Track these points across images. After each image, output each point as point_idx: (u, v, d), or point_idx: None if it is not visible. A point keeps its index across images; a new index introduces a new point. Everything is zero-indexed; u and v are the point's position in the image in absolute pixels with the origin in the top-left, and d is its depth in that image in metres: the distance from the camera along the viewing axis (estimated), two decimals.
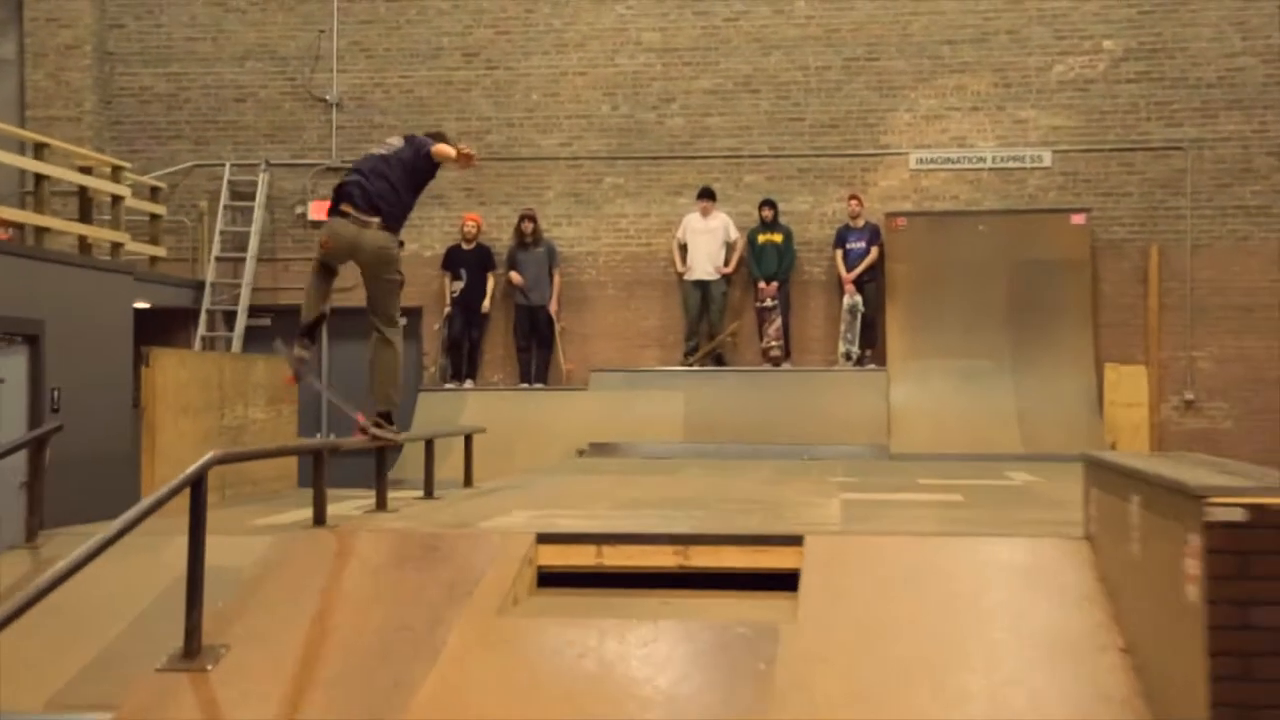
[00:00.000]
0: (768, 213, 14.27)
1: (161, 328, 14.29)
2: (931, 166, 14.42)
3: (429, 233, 14.97)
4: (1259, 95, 13.74)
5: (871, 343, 14.20)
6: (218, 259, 14.71)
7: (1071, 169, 14.15)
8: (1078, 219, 13.84)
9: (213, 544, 5.11)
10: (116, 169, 13.07)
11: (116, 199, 12.95)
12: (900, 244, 14.12)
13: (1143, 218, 14.03)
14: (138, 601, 5.60)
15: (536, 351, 14.61)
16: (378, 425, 7.50)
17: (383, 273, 7.79)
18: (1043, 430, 13.11)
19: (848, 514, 7.11)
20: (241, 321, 14.23)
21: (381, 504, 7.29)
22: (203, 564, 4.98)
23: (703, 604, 5.43)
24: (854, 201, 14.13)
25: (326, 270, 7.99)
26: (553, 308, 14.51)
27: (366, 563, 5.68)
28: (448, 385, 14.40)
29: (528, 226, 14.44)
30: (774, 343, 14.23)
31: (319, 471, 6.54)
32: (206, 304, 14.41)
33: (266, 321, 15.01)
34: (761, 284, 14.21)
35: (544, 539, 5.72)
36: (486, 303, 14.52)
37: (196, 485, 5.02)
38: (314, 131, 15.12)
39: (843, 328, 14.20)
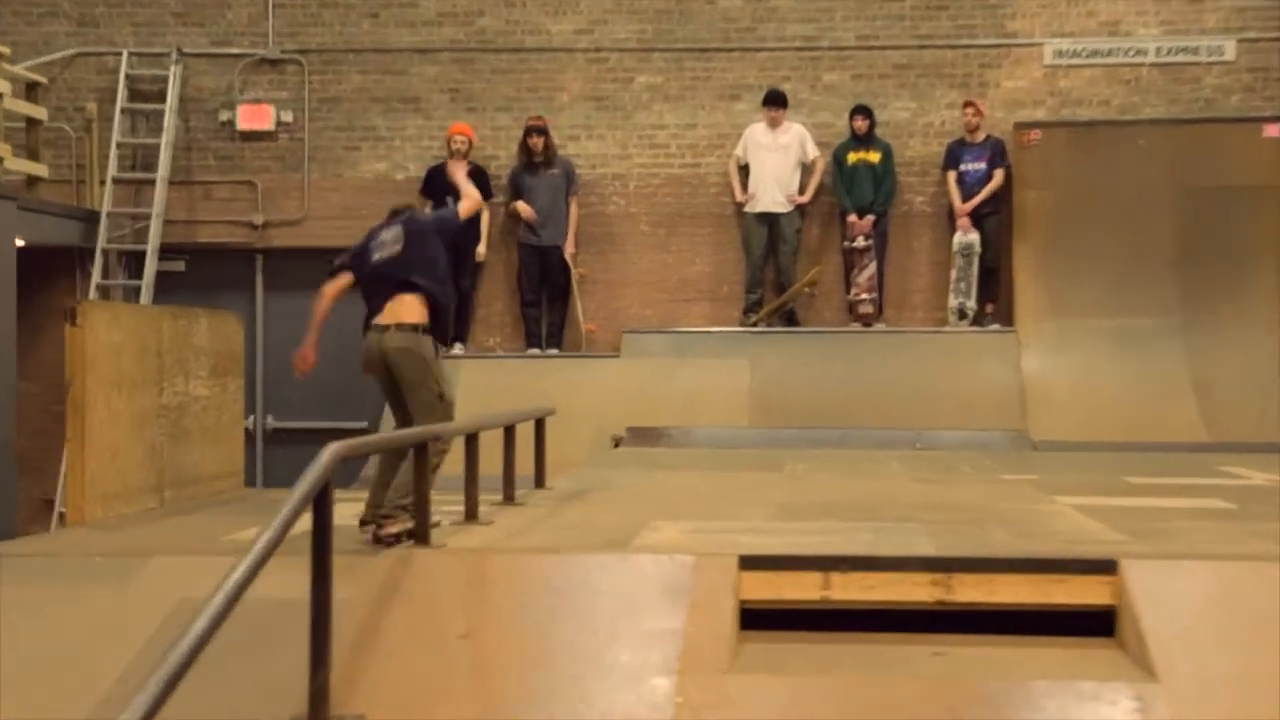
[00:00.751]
0: (861, 123, 12.94)
1: (38, 273, 12.68)
2: (1074, 61, 13.23)
3: (402, 149, 13.55)
4: None
5: (993, 295, 13.03)
6: (115, 180, 13.05)
7: (1262, 64, 13.00)
8: (1272, 130, 12.76)
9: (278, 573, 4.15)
10: None
11: None
12: (1033, 165, 13.01)
13: None
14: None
15: (548, 307, 13.14)
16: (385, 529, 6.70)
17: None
18: (1230, 411, 12.07)
19: (1118, 527, 6.16)
20: (151, 266, 12.63)
21: (472, 513, 6.62)
22: (329, 605, 4.30)
23: (988, 655, 4.76)
24: (970, 109, 12.83)
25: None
26: (569, 249, 13.00)
27: (516, 599, 5.10)
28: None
29: (536, 141, 12.93)
30: (865, 295, 12.93)
31: (421, 472, 5.76)
32: (102, 242, 12.77)
33: (180, 265, 13.52)
34: (851, 218, 12.92)
35: (748, 564, 4.93)
36: (482, 245, 13.02)
37: (323, 493, 4.21)
38: (242, 10, 13.49)
39: (954, 275, 12.98)
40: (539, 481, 8.21)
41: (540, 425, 8.39)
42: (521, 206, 12.89)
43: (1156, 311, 12.53)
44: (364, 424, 13.17)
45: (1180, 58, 13.03)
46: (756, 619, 4.90)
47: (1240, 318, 12.49)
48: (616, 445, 11.90)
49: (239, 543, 6.80)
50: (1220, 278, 12.59)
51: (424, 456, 5.89)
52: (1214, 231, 12.65)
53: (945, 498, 7.49)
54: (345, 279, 7.98)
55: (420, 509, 5.73)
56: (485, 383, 12.40)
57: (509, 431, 7.56)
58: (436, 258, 7.62)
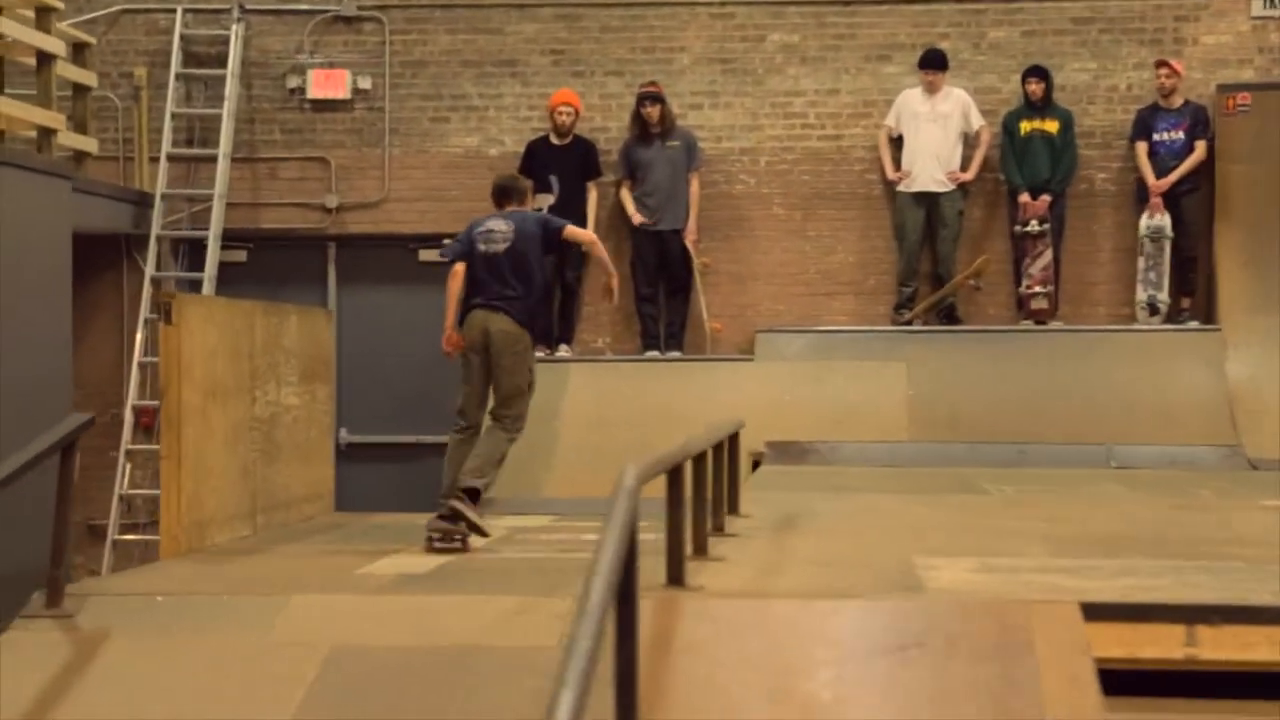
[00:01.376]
0: (1037, 87, 12.74)
1: (80, 264, 12.71)
2: None
3: (497, 120, 13.45)
4: None
5: (1190, 288, 12.76)
6: (169, 158, 13.08)
7: None
8: None
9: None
10: (43, 8, 11.42)
11: (44, 58, 11.33)
12: (1240, 134, 12.72)
13: None
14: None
15: (667, 302, 13.03)
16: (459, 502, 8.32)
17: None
18: None
19: None
20: (214, 255, 12.61)
21: (701, 548, 6.34)
22: (635, 659, 4.01)
23: None
24: (1165, 70, 12.60)
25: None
26: (690, 235, 12.91)
27: (820, 650, 4.82)
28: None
29: (651, 111, 12.84)
30: (1039, 288, 12.73)
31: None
32: (157, 227, 12.80)
33: (241, 255, 13.56)
34: (1024, 198, 12.69)
35: (1094, 613, 4.66)
36: (589, 228, 12.88)
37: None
38: None
39: (1142, 264, 12.74)
40: (733, 507, 7.93)
41: (735, 440, 8.04)
42: (627, 199, 12.88)
43: None
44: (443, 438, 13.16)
45: None
46: (1110, 682, 4.59)
47: None
48: (756, 465, 11.80)
49: (377, 578, 7.10)
50: None
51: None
52: None
53: (1229, 530, 7.22)
54: (463, 266, 9.08)
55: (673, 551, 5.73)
56: (596, 390, 12.34)
57: (718, 451, 7.31)
58: (535, 268, 9.06)
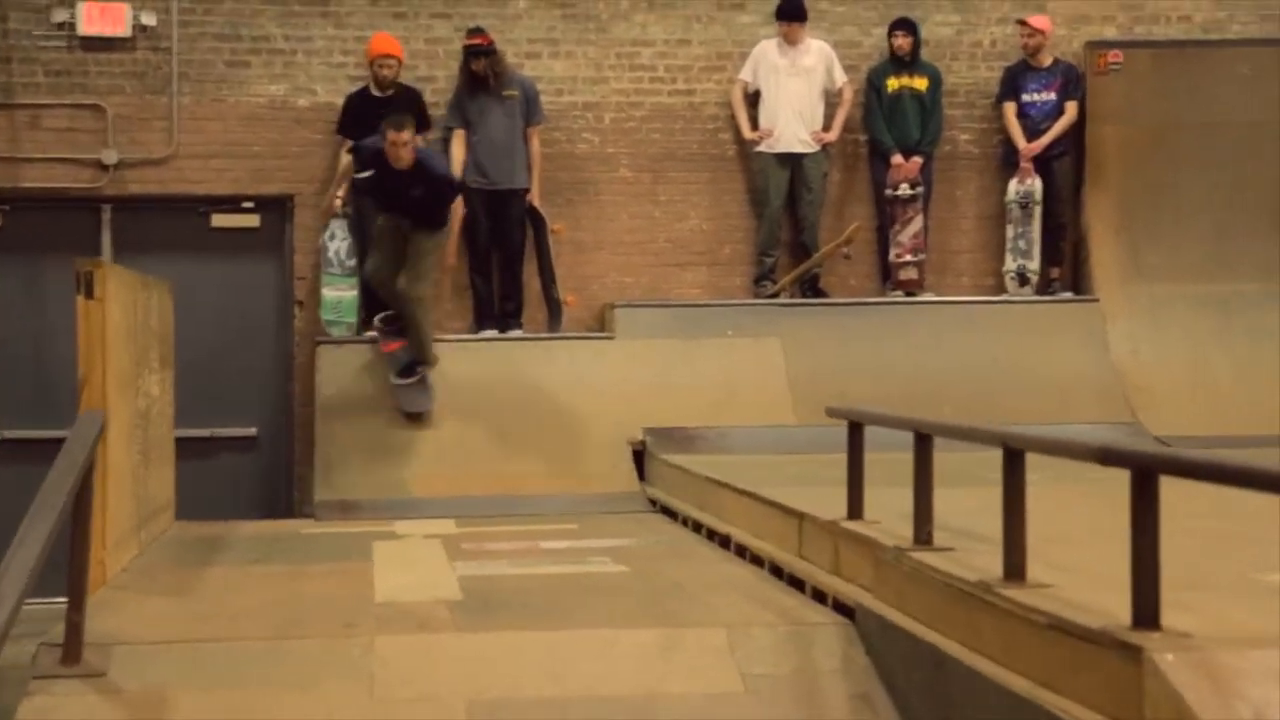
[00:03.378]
0: (904, 41, 11.78)
1: None
2: None
3: (306, 66, 11.71)
4: None
5: (1059, 257, 11.99)
6: None
7: None
8: None
9: None
10: None
11: None
12: (1111, 94, 12.06)
13: None
14: None
15: (502, 274, 11.51)
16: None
17: None
18: None
19: None
20: None
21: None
22: None
23: None
24: (1026, 30, 11.78)
25: None
26: (535, 197, 11.42)
27: None
28: (367, 334, 11.11)
29: (480, 65, 11.26)
30: (910, 256, 11.73)
31: None
32: None
33: None
34: (896, 159, 11.66)
35: None
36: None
37: None
38: None
39: (1011, 232, 11.91)
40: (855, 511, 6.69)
41: None
42: (458, 148, 11.24)
43: (1265, 275, 11.72)
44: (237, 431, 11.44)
45: None
46: None
47: None
48: (637, 456, 10.50)
49: (408, 607, 6.06)
50: None
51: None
52: None
53: None
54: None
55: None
56: (446, 373, 10.77)
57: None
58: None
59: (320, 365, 10.89)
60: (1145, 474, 3.97)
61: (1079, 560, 5.16)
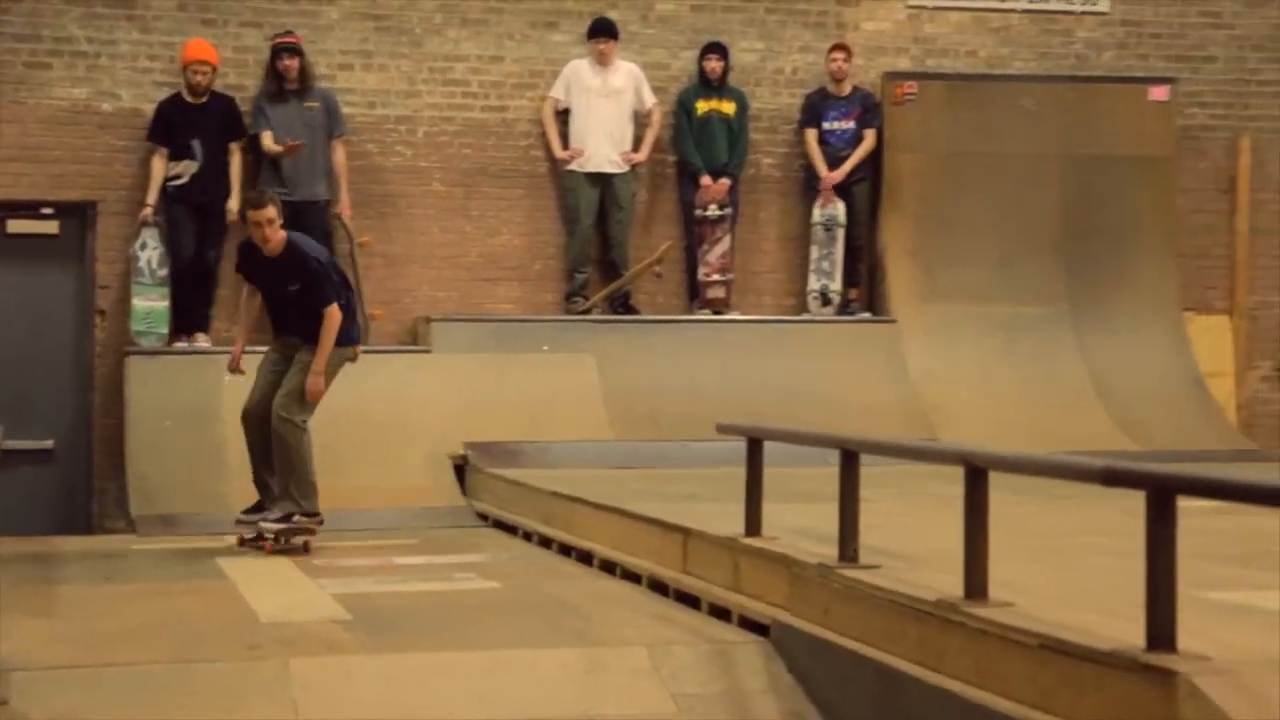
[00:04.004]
0: (717, 64, 12.00)
1: None
2: (939, 4, 12.75)
3: (110, 70, 11.42)
4: None
5: (858, 278, 12.39)
6: None
7: (1136, 17, 12.99)
8: (1158, 93, 12.82)
9: None
10: None
11: None
12: (906, 124, 12.51)
13: (1230, 96, 13.08)
14: None
15: None
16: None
17: None
18: (1139, 415, 11.97)
19: None
20: None
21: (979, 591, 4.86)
22: None
23: None
24: (840, 54, 12.15)
25: None
26: (344, 210, 11.30)
27: None
28: (178, 345, 10.84)
29: (289, 65, 11.13)
30: (718, 276, 11.96)
31: None
32: None
33: None
34: (705, 180, 11.87)
35: None
36: (235, 199, 11.03)
37: None
38: None
39: (816, 253, 12.26)
40: (751, 528, 6.68)
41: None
42: (270, 140, 11.00)
43: (1044, 298, 12.35)
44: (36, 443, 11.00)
45: (1052, 4, 12.88)
46: None
47: (1131, 307, 12.48)
48: (459, 470, 10.46)
49: (304, 627, 5.87)
50: (1108, 260, 12.52)
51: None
52: (1099, 207, 12.54)
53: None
54: None
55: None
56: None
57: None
58: None
59: (130, 376, 10.60)
60: (1162, 495, 4.01)
61: (1015, 578, 5.12)
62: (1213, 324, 13.05)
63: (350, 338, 8.50)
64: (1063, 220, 12.57)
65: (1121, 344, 12.34)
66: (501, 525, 9.52)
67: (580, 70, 11.80)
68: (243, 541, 8.46)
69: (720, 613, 6.30)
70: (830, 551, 5.80)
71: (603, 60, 11.77)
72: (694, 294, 12.07)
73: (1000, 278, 12.36)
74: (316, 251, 8.61)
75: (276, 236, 8.24)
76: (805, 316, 12.21)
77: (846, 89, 12.18)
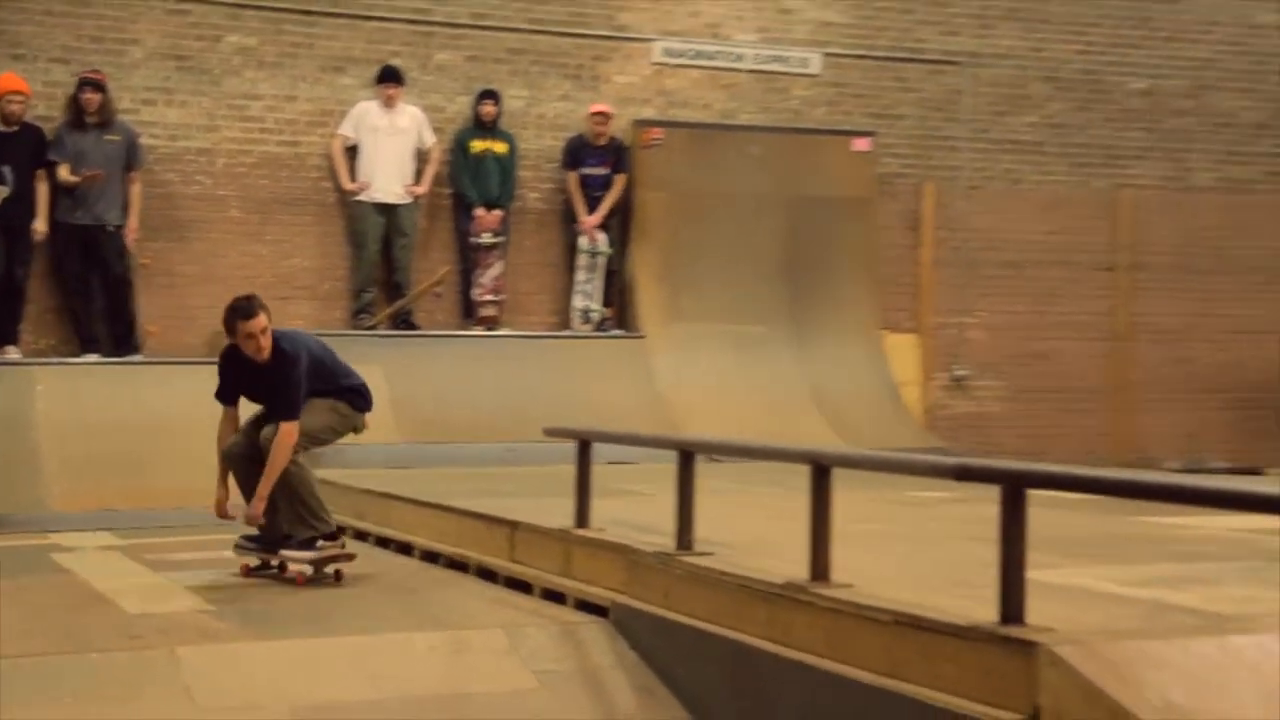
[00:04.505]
0: (490, 109, 11.74)
1: None
2: (680, 61, 12.72)
3: None
4: (1037, 5, 13.62)
5: (612, 300, 12.27)
6: None
7: (842, 78, 13.19)
8: (861, 144, 12.98)
9: None
10: None
11: None
12: (653, 165, 12.38)
13: (917, 149, 13.42)
14: None
15: (108, 304, 10.70)
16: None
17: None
18: (848, 417, 12.12)
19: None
20: None
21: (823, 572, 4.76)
22: None
23: None
24: (598, 118, 12.03)
25: None
26: (131, 234, 10.65)
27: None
28: None
29: (91, 99, 10.45)
30: (490, 297, 11.72)
31: None
32: None
33: None
34: (480, 212, 11.61)
35: None
36: (41, 221, 10.31)
37: None
38: None
39: (581, 277, 12.14)
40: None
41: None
42: (66, 172, 10.29)
43: (768, 319, 12.40)
44: None
45: (773, 66, 12.95)
46: None
47: (840, 327, 12.63)
48: None
49: (174, 618, 5.54)
50: (820, 287, 12.64)
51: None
52: (813, 241, 12.65)
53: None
54: None
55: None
56: (70, 393, 9.94)
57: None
58: None
59: None
60: (1015, 488, 3.96)
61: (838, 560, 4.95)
62: (903, 341, 13.29)
63: (361, 405, 7.08)
64: (784, 252, 12.62)
65: (832, 358, 12.50)
66: None
67: (368, 111, 11.40)
68: (248, 570, 6.74)
69: (554, 596, 6.09)
70: (657, 541, 5.67)
71: (389, 103, 11.39)
72: (468, 312, 11.77)
73: (733, 301, 12.36)
74: (297, 349, 6.74)
75: (268, 342, 6.56)
76: (568, 332, 12.02)
77: (604, 139, 12.09)
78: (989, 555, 4.11)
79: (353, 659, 5.11)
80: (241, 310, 6.54)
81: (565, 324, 12.13)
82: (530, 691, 5.12)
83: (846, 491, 4.89)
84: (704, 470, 7.81)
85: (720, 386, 11.97)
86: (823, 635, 4.50)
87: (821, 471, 4.83)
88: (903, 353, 13.27)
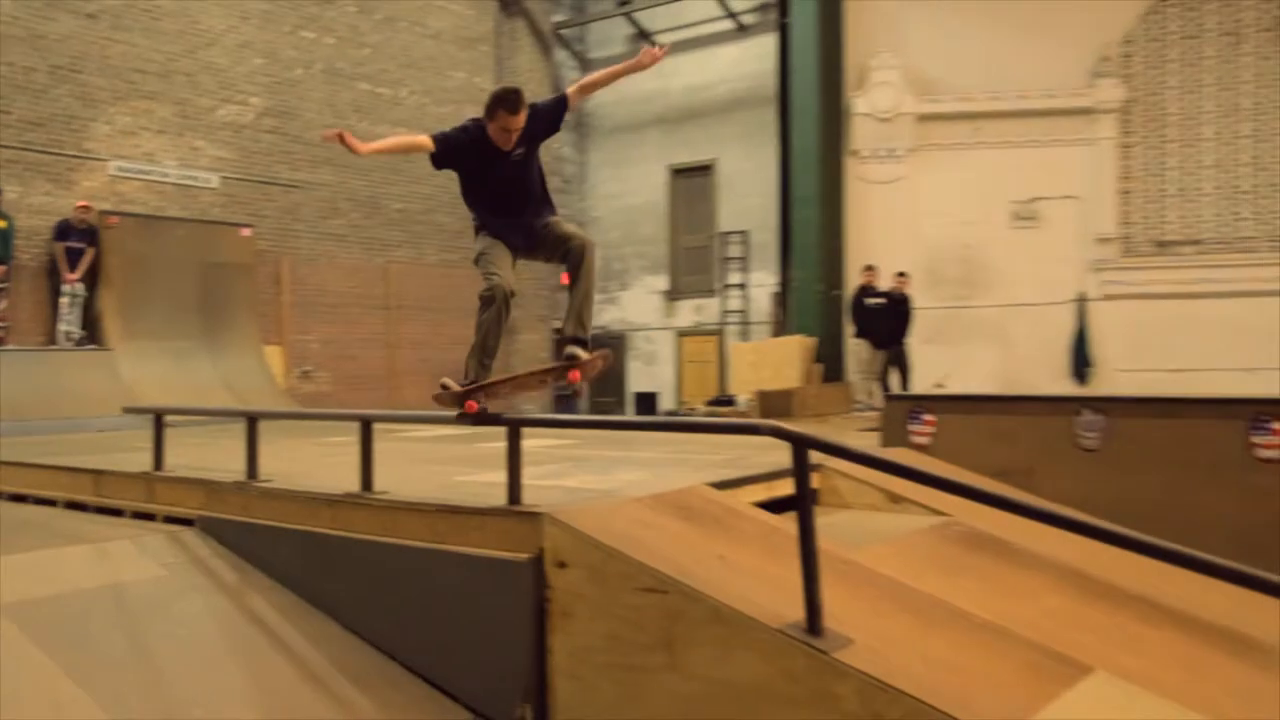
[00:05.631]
0: None
1: None
2: (128, 175, 13.86)
3: None
4: (343, 155, 16.31)
5: (84, 324, 13.18)
6: None
7: (232, 192, 14.90)
8: (245, 232, 14.64)
9: None
10: None
11: None
12: (115, 240, 13.29)
13: (278, 235, 15.56)
14: None
15: None
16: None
17: None
18: (247, 397, 13.44)
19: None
20: None
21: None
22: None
23: None
24: (81, 208, 12.83)
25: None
26: None
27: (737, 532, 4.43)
28: None
29: None
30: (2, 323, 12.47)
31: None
32: None
33: None
34: None
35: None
36: None
37: None
38: None
39: (66, 309, 12.95)
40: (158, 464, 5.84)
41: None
42: None
43: (191, 337, 13.56)
44: None
45: (189, 181, 14.29)
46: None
47: (236, 342, 14.17)
48: None
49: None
50: (223, 318, 14.07)
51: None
52: (218, 290, 14.07)
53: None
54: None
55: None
56: None
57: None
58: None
59: None
60: (515, 430, 4.23)
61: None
62: (273, 350, 14.94)
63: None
64: (199, 296, 13.83)
65: (235, 359, 13.83)
66: None
67: None
68: (478, 413, 4.84)
69: (144, 517, 5.56)
70: (221, 478, 5.53)
71: None
72: None
73: (168, 326, 13.41)
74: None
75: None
76: (54, 347, 12.65)
77: (83, 225, 12.94)
78: (457, 471, 4.88)
79: (30, 568, 4.76)
80: (512, 104, 4.92)
81: (53, 341, 12.82)
82: (164, 577, 4.88)
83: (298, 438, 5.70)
84: (215, 432, 8.75)
85: (164, 382, 12.90)
86: (380, 524, 4.42)
87: (366, 426, 4.90)
88: (274, 357, 14.94)
